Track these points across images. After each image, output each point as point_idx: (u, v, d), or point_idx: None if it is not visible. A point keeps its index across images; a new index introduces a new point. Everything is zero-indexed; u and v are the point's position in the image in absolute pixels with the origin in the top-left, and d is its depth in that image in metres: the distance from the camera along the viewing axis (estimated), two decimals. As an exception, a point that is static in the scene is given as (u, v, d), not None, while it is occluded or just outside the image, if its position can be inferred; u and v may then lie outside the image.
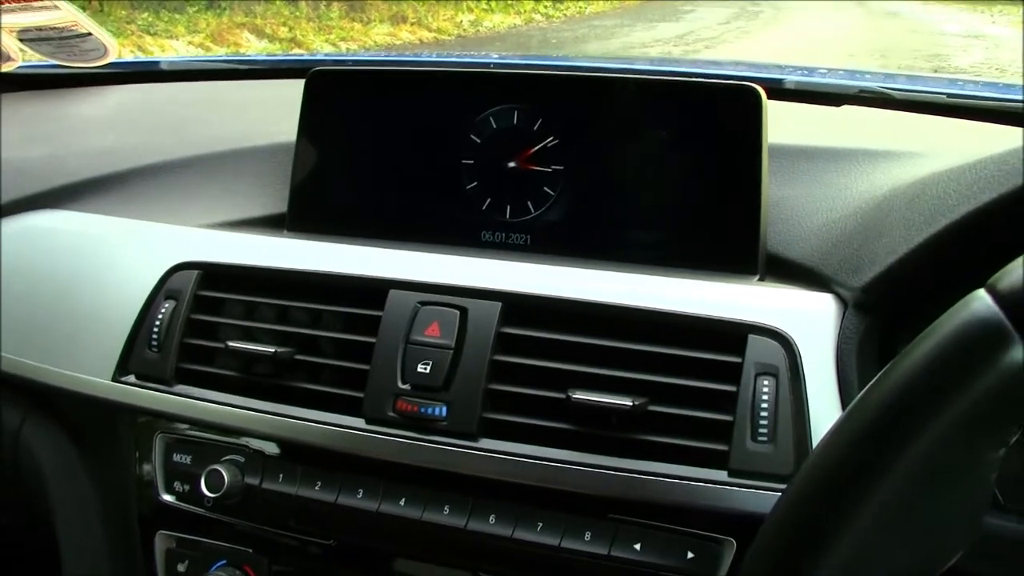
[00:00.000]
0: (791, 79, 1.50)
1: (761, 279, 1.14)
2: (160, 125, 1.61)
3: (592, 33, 14.77)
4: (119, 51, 1.79)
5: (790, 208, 1.19)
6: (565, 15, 17.34)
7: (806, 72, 1.63)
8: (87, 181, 1.43)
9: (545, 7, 17.30)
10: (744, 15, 17.42)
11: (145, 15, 11.11)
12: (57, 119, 1.67)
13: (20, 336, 1.32)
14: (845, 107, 1.46)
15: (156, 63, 2.04)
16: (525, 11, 16.59)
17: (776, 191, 1.19)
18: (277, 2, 12.60)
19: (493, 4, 15.95)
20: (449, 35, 13.98)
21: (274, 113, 1.54)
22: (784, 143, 1.24)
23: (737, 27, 15.50)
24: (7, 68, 1.74)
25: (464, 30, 14.56)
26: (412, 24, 13.81)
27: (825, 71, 1.68)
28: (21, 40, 1.71)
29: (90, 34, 1.70)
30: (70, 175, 1.44)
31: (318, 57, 1.55)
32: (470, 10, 15.28)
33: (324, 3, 13.13)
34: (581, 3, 18.57)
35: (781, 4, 18.85)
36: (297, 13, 12.66)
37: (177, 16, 11.41)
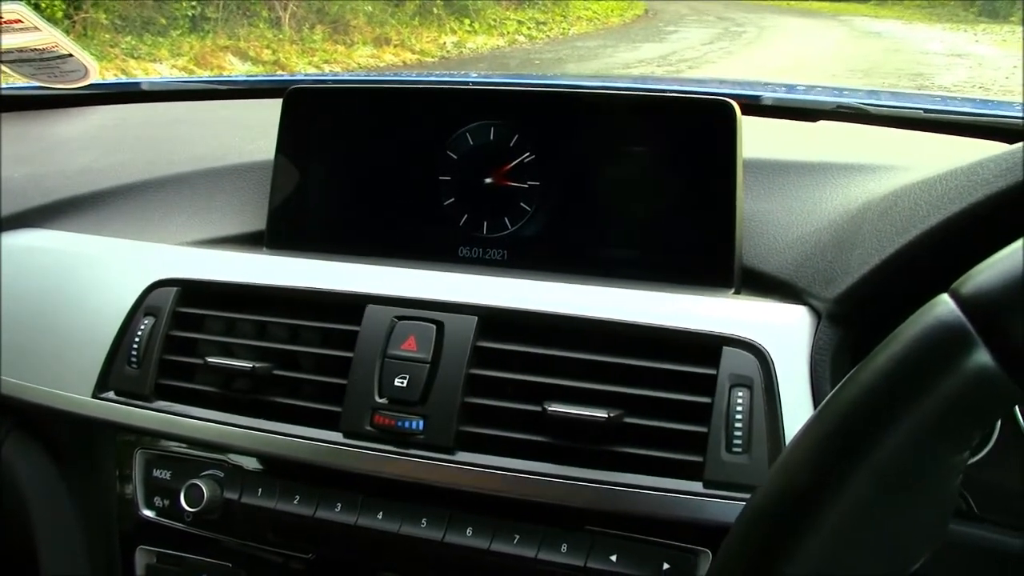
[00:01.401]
0: (768, 95, 1.51)
1: (736, 292, 1.14)
2: (139, 145, 1.62)
3: (575, 54, 14.82)
4: (101, 73, 1.79)
5: (765, 222, 1.20)
6: (548, 36, 17.38)
7: (787, 89, 1.64)
8: (66, 200, 1.43)
9: (528, 29, 17.34)
10: (727, 35, 17.49)
11: (128, 39, 11.09)
12: (36, 139, 1.67)
13: (5, 354, 1.32)
14: (824, 124, 1.47)
15: (136, 83, 2.05)
16: (508, 33, 16.63)
17: (751, 205, 1.20)
18: (260, 25, 12.60)
19: (476, 26, 15.99)
20: (432, 57, 14.00)
21: (252, 132, 1.55)
22: (760, 157, 1.25)
23: (720, 47, 15.56)
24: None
25: (447, 52, 14.57)
26: (395, 46, 13.82)
27: (804, 88, 1.70)
28: (1, 62, 1.71)
29: (71, 55, 1.70)
30: (49, 194, 1.44)
31: (297, 77, 1.56)
32: (453, 32, 15.30)
33: (307, 26, 13.13)
34: (564, 25, 18.62)
35: (764, 24, 18.95)
36: (280, 36, 12.66)
37: (160, 39, 11.39)
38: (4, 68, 1.70)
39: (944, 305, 0.61)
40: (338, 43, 13.19)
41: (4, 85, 1.76)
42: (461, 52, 14.75)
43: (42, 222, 1.42)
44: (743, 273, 1.16)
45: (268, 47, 12.08)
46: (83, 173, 1.48)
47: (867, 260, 0.98)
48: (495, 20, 16.71)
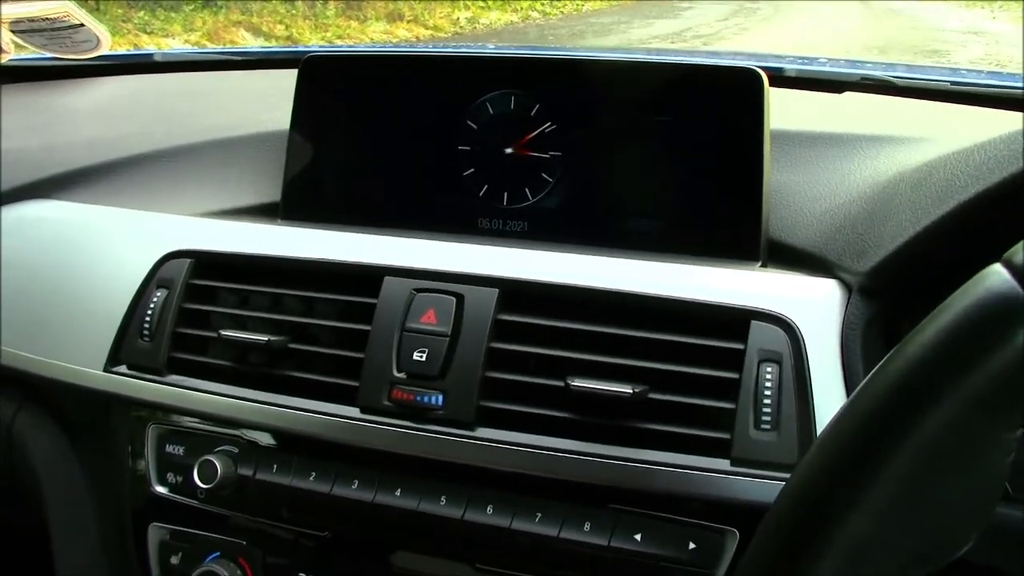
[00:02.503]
0: (791, 66, 1.48)
1: (763, 266, 1.12)
2: (151, 116, 1.59)
3: (589, 30, 14.74)
4: (113, 48, 1.76)
5: (792, 194, 1.17)
6: (562, 12, 17.32)
7: (807, 61, 1.61)
8: (77, 171, 1.41)
9: (542, 4, 17.28)
10: (742, 12, 17.40)
11: (141, 13, 11.08)
12: (45, 110, 1.65)
13: (11, 327, 1.30)
14: (845, 97, 1.44)
15: (149, 55, 2.03)
16: (522, 8, 16.57)
17: (777, 177, 1.17)
18: (273, 0, 12.57)
19: (490, 2, 15.93)
20: (446, 32, 13.95)
21: (267, 102, 1.52)
22: (786, 128, 1.22)
23: (735, 24, 15.48)
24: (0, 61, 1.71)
25: (461, 27, 14.53)
26: (409, 21, 13.77)
27: (825, 60, 1.66)
28: (13, 31, 1.69)
29: (82, 25, 1.67)
30: (59, 165, 1.42)
31: (311, 48, 1.53)
32: (467, 7, 15.25)
33: (320, 1, 13.10)
34: (578, 1, 18.54)
35: (780, 3, 18.83)
36: (293, 11, 12.63)
37: (173, 15, 11.38)
38: (15, 37, 1.68)
39: (997, 275, 0.58)
40: (351, 18, 13.16)
41: (13, 56, 1.73)
42: (475, 28, 14.70)
43: (52, 193, 1.40)
44: (769, 246, 1.14)
45: (281, 22, 12.05)
46: (94, 144, 1.46)
47: (901, 232, 0.95)
48: (509, -5, 16.65)
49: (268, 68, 1.84)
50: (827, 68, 1.55)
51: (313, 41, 11.88)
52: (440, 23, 14.30)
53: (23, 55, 1.75)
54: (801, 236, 1.13)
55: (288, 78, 1.35)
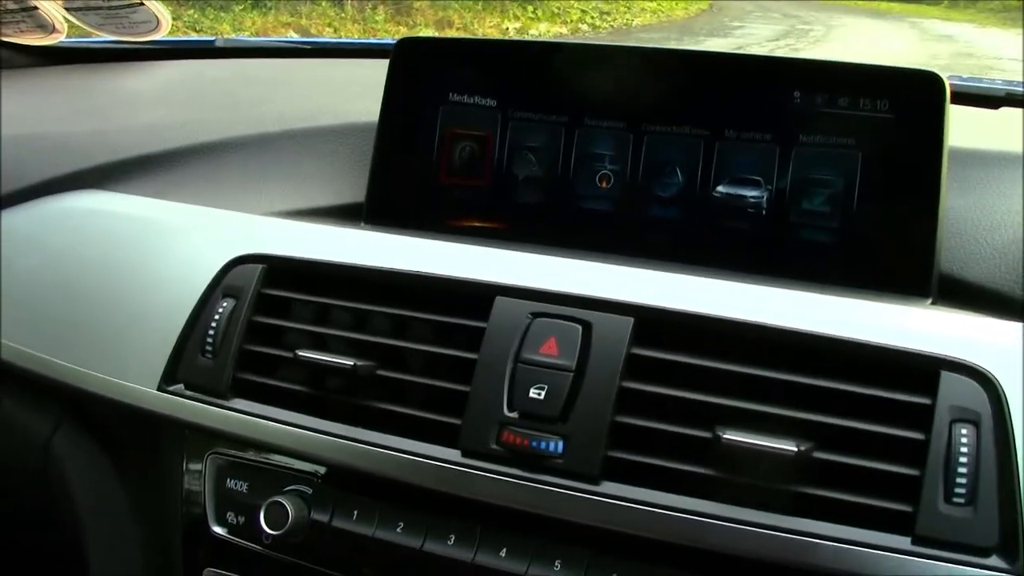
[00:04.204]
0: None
1: (933, 303, 0.96)
2: (216, 102, 1.46)
3: (639, 46, 14.70)
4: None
5: (963, 221, 1.02)
6: (612, 26, 17.22)
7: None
8: (133, 159, 1.27)
9: (592, 18, 17.19)
10: (794, 33, 17.24)
11: (191, 11, 11.06)
12: (99, 93, 1.53)
13: (55, 333, 1.16)
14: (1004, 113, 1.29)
15: (210, 40, 1.89)
16: (571, 21, 16.49)
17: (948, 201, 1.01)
18: (323, 3, 12.57)
19: (539, 13, 15.88)
20: (494, 43, 13.94)
21: (346, 92, 1.38)
22: (951, 145, 1.06)
23: (787, 44, 15.32)
24: (50, 41, 1.59)
25: (509, 38, 14.51)
26: (457, 29, 13.74)
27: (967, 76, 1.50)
28: (67, 9, 1.55)
29: (141, 4, 1.53)
30: (113, 152, 1.28)
31: (385, 41, 1.37)
32: (516, 18, 15.21)
33: (370, 6, 13.08)
34: (628, 15, 18.47)
35: (832, 23, 18.72)
36: (343, 14, 12.62)
37: (223, 14, 11.37)
38: (68, 15, 1.55)
39: None
40: (400, 24, 13.14)
41: (65, 38, 1.60)
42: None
43: (104, 183, 1.27)
44: (939, 280, 0.98)
45: (330, 25, 12.05)
46: (152, 130, 1.33)
47: None
48: (558, 8, 16.60)
49: (340, 57, 1.71)
50: (972, 83, 1.39)
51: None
52: (489, 32, 14.26)
53: (76, 37, 1.62)
54: (977, 271, 0.99)
55: (370, 68, 1.19)
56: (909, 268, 0.98)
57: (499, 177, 1.14)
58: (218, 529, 1.07)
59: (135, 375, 1.09)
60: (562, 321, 0.93)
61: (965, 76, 1.42)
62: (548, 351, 0.92)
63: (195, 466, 1.09)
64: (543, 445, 0.89)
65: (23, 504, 1.28)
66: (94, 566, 1.19)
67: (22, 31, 1.54)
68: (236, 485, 1.06)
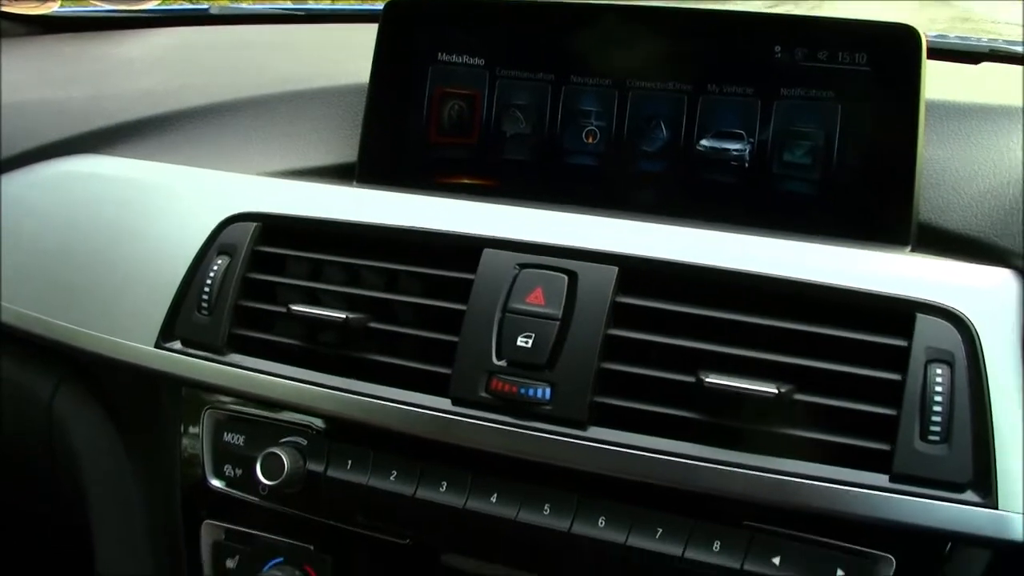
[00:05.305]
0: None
1: (912, 251, 0.98)
2: (210, 67, 1.47)
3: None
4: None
5: (941, 171, 1.03)
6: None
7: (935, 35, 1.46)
8: (129, 123, 1.28)
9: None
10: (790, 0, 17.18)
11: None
12: (92, 61, 1.54)
13: (54, 295, 1.18)
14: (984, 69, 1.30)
15: (204, 8, 1.89)
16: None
17: (925, 152, 1.03)
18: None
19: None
20: None
21: (341, 55, 1.39)
22: (929, 98, 1.07)
23: (784, 10, 15.26)
24: (47, 11, 1.60)
25: None
26: None
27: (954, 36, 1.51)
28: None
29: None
30: (109, 118, 1.29)
31: (376, 7, 1.37)
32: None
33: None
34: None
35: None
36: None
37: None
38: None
39: None
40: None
41: (61, 7, 1.62)
42: None
43: (101, 148, 1.28)
44: (918, 229, 1.00)
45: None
46: (147, 95, 1.33)
47: None
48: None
49: (333, 22, 1.72)
50: (954, 40, 1.40)
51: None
52: None
53: (72, 7, 1.64)
54: (955, 219, 1.00)
55: (363, 33, 1.22)
56: (888, 217, 0.99)
57: (488, 135, 1.15)
58: (216, 482, 1.08)
59: (133, 333, 1.10)
60: (548, 271, 0.94)
61: (951, 35, 1.43)
62: (535, 300, 0.93)
63: (193, 421, 1.10)
64: (531, 392, 0.91)
65: (29, 464, 1.30)
66: (96, 524, 1.20)
67: (19, 0, 1.55)
68: (233, 439, 1.07)
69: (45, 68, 1.49)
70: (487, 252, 0.96)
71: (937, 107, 1.08)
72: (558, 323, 0.92)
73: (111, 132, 1.28)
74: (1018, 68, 1.28)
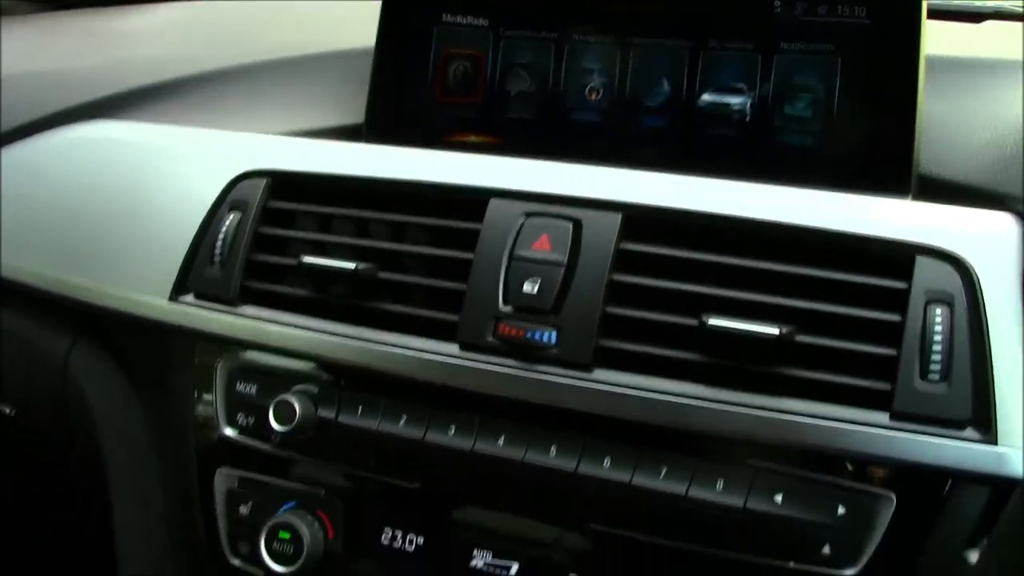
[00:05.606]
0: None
1: (913, 200, 0.98)
2: (217, 35, 1.48)
3: None
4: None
5: (941, 125, 1.03)
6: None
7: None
8: (141, 89, 1.30)
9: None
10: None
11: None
12: (103, 32, 1.55)
13: (70, 255, 1.19)
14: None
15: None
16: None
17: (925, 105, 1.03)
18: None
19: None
20: None
21: (349, 19, 1.39)
22: (929, 53, 1.08)
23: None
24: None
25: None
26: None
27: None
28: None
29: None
30: (121, 85, 1.31)
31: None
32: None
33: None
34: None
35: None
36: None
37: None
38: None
39: None
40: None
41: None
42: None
43: (111, 114, 1.29)
44: (919, 181, 1.00)
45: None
46: (157, 63, 1.35)
47: None
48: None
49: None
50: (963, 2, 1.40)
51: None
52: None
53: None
54: (956, 169, 1.00)
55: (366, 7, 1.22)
56: (889, 168, 0.99)
57: (492, 94, 1.15)
58: (229, 431, 1.10)
59: (147, 288, 1.12)
60: (554, 219, 0.96)
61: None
62: (540, 247, 0.94)
63: (206, 372, 1.12)
64: (537, 336, 0.93)
65: (42, 422, 1.31)
66: (112, 477, 1.22)
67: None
68: (246, 388, 1.09)
69: (52, 41, 1.51)
70: (494, 202, 0.98)
71: (937, 62, 1.08)
72: (563, 269, 0.93)
73: (119, 99, 1.30)
74: (1019, 24, 1.29)
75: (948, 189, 0.99)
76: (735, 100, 1.07)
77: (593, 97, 1.12)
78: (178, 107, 1.28)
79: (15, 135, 1.30)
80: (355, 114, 1.21)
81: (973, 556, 0.83)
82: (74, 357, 1.23)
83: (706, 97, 1.08)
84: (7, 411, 1.33)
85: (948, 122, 1.04)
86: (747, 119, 1.06)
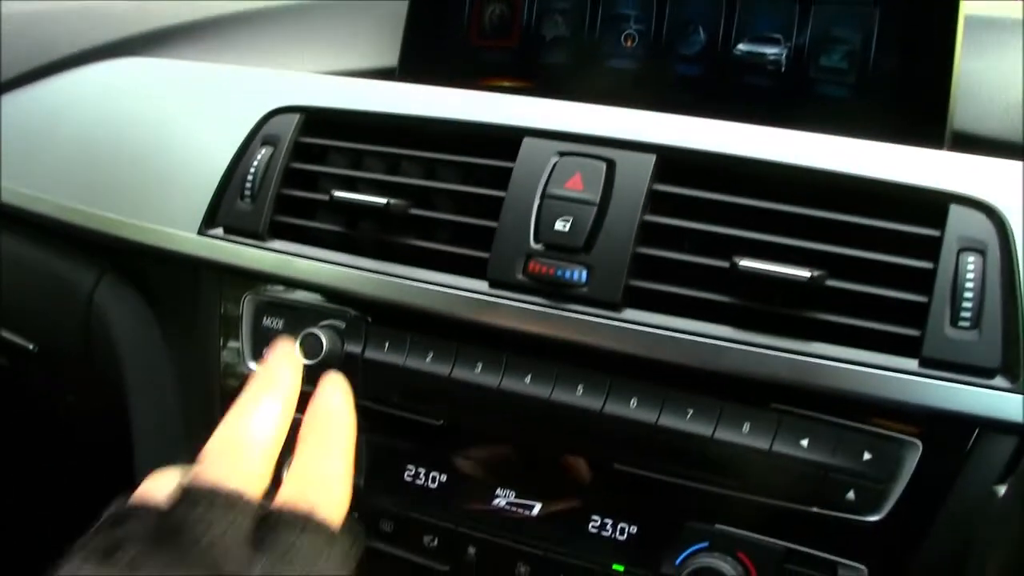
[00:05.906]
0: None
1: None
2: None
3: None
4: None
5: (977, 83, 1.03)
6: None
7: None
8: (177, 27, 1.31)
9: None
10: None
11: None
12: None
13: (101, 188, 1.20)
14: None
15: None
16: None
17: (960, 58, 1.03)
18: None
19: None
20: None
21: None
22: (968, 13, 1.07)
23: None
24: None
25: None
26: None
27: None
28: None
29: None
30: (154, 22, 1.31)
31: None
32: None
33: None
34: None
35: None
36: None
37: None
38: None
39: None
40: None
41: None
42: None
43: (145, 51, 1.29)
44: (952, 136, 1.00)
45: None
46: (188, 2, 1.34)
47: None
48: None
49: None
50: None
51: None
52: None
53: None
54: (991, 126, 1.00)
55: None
56: (924, 119, 0.99)
57: (528, 38, 1.16)
58: (254, 365, 1.10)
59: (176, 222, 1.12)
60: (587, 159, 0.95)
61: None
62: (573, 186, 0.94)
63: (232, 307, 1.12)
64: (567, 274, 0.92)
65: (66, 356, 1.32)
66: (134, 412, 1.22)
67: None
68: (272, 323, 1.09)
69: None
70: (527, 141, 0.97)
71: (974, 21, 1.08)
72: (596, 208, 0.93)
73: (153, 37, 1.31)
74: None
75: (982, 144, 0.99)
76: (771, 50, 1.06)
77: (629, 44, 1.12)
78: (211, 47, 1.29)
79: (50, 69, 1.30)
80: (388, 57, 1.21)
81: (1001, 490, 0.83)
82: (99, 292, 1.24)
83: (742, 46, 1.07)
84: (30, 347, 1.34)
85: (983, 79, 1.03)
86: (782, 69, 1.06)
